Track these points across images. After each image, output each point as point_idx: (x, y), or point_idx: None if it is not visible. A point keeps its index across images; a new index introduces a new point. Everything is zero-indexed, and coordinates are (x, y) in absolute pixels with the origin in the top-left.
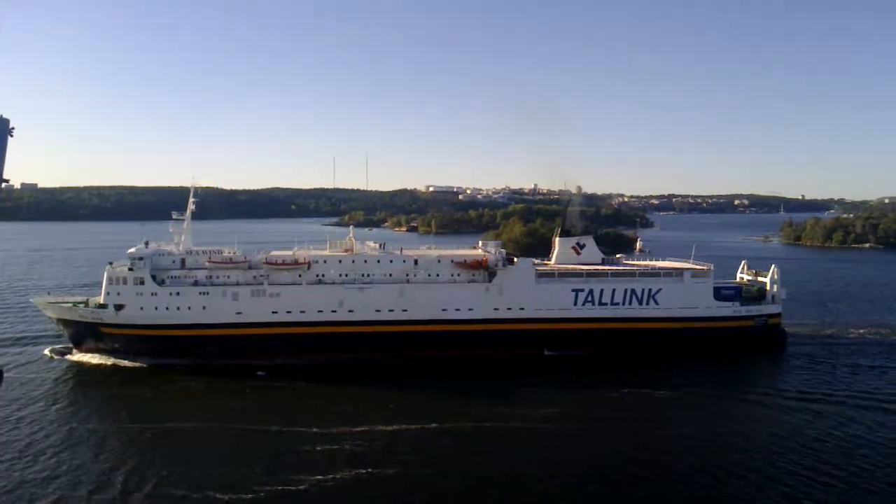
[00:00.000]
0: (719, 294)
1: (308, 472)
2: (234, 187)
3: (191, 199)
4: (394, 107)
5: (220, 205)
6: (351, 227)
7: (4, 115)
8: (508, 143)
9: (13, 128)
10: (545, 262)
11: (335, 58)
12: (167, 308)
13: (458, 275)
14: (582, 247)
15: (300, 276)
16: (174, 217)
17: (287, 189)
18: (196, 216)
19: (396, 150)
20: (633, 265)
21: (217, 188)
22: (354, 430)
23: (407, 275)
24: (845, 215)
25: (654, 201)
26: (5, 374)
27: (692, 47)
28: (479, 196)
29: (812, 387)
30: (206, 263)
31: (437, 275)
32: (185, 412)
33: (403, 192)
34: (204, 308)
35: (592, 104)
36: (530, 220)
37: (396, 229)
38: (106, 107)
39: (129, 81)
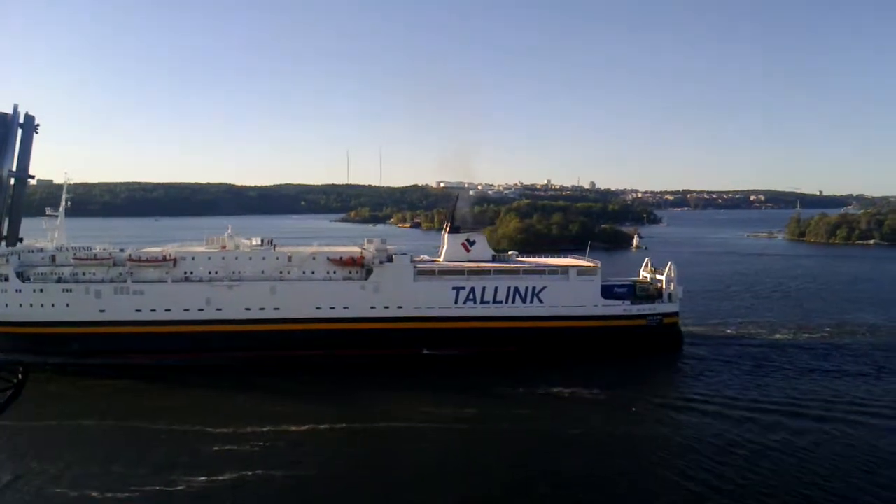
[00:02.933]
0: (611, 292)
1: (192, 473)
2: (246, 183)
3: (64, 196)
4: (407, 101)
5: (230, 201)
6: (228, 226)
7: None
8: (521, 138)
9: (38, 124)
10: (434, 259)
11: (348, 51)
12: (31, 305)
13: (334, 272)
14: (472, 243)
15: (167, 273)
16: (47, 213)
17: (298, 185)
18: (205, 212)
19: (411, 146)
20: (523, 262)
21: (228, 184)
22: (245, 430)
23: (280, 272)
24: (854, 211)
25: (669, 197)
26: None
27: (709, 39)
28: (489, 192)
29: (698, 390)
30: (72, 261)
31: (313, 272)
32: (58, 411)
33: (414, 188)
34: (67, 305)
35: (611, 97)
36: (528, 216)
37: (400, 225)
38: (116, 103)
39: (139, 78)
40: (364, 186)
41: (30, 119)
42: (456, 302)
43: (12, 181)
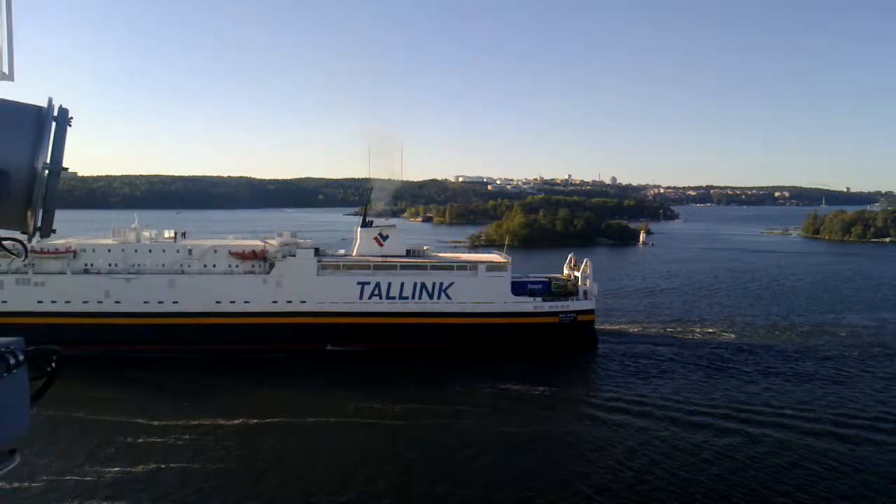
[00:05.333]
0: (524, 289)
1: (99, 464)
2: (267, 177)
3: None
4: (431, 97)
5: (251, 194)
6: (135, 215)
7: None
8: (539, 134)
9: (72, 117)
10: (349, 254)
11: (374, 45)
12: None
13: (236, 266)
14: (385, 238)
15: (67, 265)
16: None
17: (318, 179)
18: (224, 205)
19: (434, 140)
20: (437, 257)
21: (247, 177)
22: (151, 424)
23: (181, 265)
24: (880, 208)
25: (692, 193)
26: None
27: (737, 33)
28: (508, 187)
29: (601, 390)
30: None
31: (214, 265)
32: None
33: (433, 182)
34: None
35: (635, 92)
36: (537, 211)
37: (412, 219)
38: (137, 97)
39: (160, 71)
40: (384, 180)
41: (63, 112)
42: (361, 297)
43: (46, 173)
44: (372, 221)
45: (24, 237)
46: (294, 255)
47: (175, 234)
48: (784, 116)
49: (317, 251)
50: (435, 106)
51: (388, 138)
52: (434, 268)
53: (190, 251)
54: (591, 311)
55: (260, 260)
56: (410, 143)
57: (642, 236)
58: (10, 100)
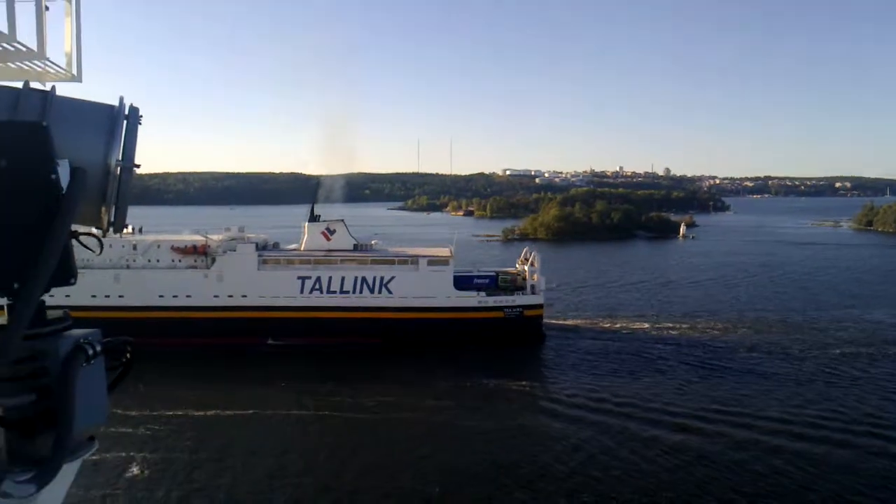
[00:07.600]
0: (469, 283)
1: None
2: (313, 173)
3: None
4: (483, 88)
5: (300, 190)
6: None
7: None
8: (591, 126)
9: (142, 116)
10: (297, 249)
11: (424, 39)
12: None
13: (179, 261)
14: (332, 232)
15: None
16: None
17: (367, 174)
18: (275, 200)
19: (483, 134)
20: (382, 252)
21: (296, 173)
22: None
23: (126, 260)
24: None
25: (749, 184)
26: None
27: (799, 21)
28: (556, 179)
29: (541, 384)
30: None
31: (158, 260)
32: None
33: (480, 175)
34: None
35: (691, 80)
36: (572, 205)
37: (454, 213)
38: (190, 96)
39: (216, 69)
40: (431, 175)
41: (134, 110)
42: (301, 291)
43: (119, 170)
44: (319, 216)
45: (98, 232)
46: (235, 250)
47: (133, 229)
48: (848, 104)
49: (263, 246)
50: (484, 99)
51: (334, 136)
52: (375, 262)
53: (134, 246)
54: (539, 306)
55: (201, 255)
56: (459, 138)
57: (682, 229)
58: (85, 99)
